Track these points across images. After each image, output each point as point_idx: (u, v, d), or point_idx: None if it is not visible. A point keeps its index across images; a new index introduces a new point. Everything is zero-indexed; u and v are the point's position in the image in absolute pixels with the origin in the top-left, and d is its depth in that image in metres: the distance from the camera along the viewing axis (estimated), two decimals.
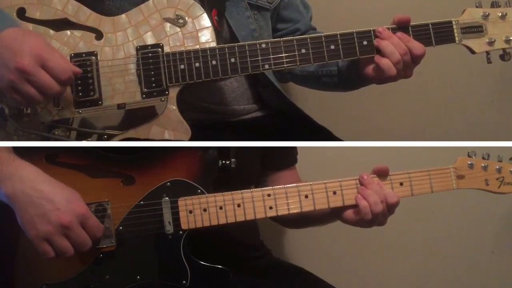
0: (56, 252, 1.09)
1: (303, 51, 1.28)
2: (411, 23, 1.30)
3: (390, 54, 1.27)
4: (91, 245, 1.12)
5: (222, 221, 1.18)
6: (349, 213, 1.22)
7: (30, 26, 1.24)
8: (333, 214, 1.26)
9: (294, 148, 1.49)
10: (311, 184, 1.21)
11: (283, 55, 1.27)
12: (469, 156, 1.27)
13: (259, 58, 1.27)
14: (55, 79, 1.14)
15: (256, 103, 1.54)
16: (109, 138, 1.26)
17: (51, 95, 1.16)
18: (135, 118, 1.27)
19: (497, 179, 1.27)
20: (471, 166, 1.26)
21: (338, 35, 1.29)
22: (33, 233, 1.08)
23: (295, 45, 1.28)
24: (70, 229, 1.08)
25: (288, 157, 1.47)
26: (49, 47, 1.17)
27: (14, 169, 1.10)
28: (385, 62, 1.27)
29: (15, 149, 1.16)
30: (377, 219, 1.20)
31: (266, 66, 1.27)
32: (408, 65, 1.29)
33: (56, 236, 1.08)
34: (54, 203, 1.08)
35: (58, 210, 1.08)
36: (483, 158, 1.28)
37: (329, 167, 1.83)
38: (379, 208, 1.18)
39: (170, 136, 1.26)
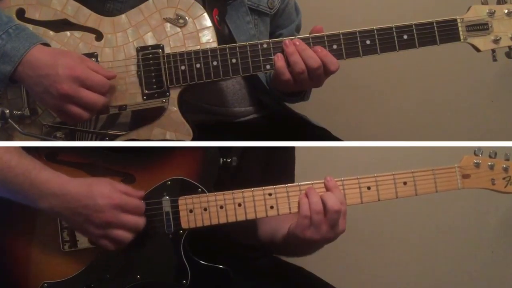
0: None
1: None
2: (414, 22, 1.27)
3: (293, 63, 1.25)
4: None
5: (223, 220, 1.18)
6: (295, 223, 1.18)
7: (30, 27, 1.23)
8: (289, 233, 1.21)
9: (293, 168, 1.46)
10: (312, 183, 1.19)
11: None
12: (475, 154, 1.23)
13: (261, 58, 1.26)
14: (97, 93, 1.18)
15: (257, 105, 1.54)
16: (111, 139, 1.26)
17: (97, 109, 1.20)
18: (136, 120, 1.27)
19: (504, 178, 1.23)
20: (477, 165, 1.23)
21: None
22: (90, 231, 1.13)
23: None
24: (112, 223, 1.12)
25: (283, 177, 1.41)
26: (82, 63, 1.18)
27: (45, 187, 1.11)
28: (280, 65, 1.26)
29: None
30: (319, 222, 1.14)
31: (268, 67, 1.27)
32: (319, 77, 1.27)
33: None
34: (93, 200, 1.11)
35: (96, 206, 1.11)
36: (490, 156, 1.24)
37: (330, 167, 1.83)
38: (319, 207, 1.14)
39: (172, 137, 1.25)
